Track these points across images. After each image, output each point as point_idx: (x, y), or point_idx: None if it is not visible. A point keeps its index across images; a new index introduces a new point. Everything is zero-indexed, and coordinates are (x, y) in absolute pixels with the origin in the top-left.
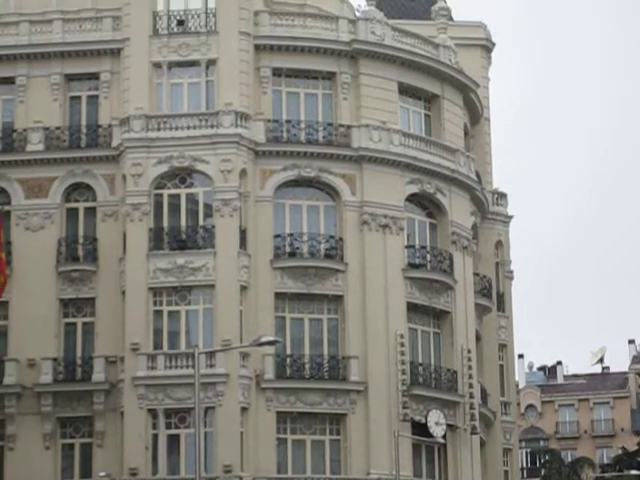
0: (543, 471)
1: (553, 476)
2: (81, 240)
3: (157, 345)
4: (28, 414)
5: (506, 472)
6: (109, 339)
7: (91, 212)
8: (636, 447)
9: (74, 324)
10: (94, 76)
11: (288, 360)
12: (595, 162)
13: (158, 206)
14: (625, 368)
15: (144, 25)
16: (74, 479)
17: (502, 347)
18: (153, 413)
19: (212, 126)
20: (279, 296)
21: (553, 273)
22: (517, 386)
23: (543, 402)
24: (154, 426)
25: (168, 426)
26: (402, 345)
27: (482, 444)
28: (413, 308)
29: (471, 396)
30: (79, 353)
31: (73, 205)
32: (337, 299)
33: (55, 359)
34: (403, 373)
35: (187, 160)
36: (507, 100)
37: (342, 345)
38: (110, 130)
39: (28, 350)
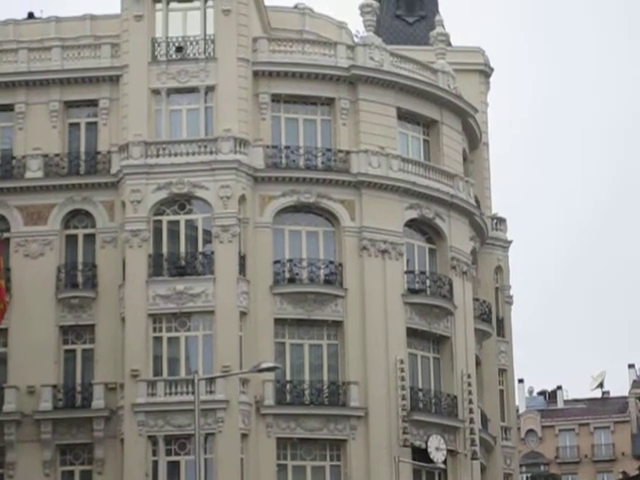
0: None
1: None
2: (80, 267)
3: (157, 372)
4: (28, 441)
5: None
6: (109, 366)
7: (90, 239)
8: (637, 471)
9: (74, 351)
10: (93, 103)
11: (288, 386)
12: (594, 186)
13: (157, 232)
14: (625, 392)
15: (143, 52)
16: None
17: (502, 372)
18: (153, 440)
19: (211, 152)
20: (279, 322)
21: (552, 298)
22: (517, 411)
23: (543, 427)
24: (154, 453)
25: (168, 453)
26: (402, 370)
27: (483, 469)
28: (413, 333)
29: (471, 421)
30: (79, 380)
31: (72, 232)
32: (337, 325)
33: (55, 386)
34: (403, 398)
35: (186, 186)
36: (506, 125)
37: (342, 371)
38: (109, 157)
39: (28, 377)
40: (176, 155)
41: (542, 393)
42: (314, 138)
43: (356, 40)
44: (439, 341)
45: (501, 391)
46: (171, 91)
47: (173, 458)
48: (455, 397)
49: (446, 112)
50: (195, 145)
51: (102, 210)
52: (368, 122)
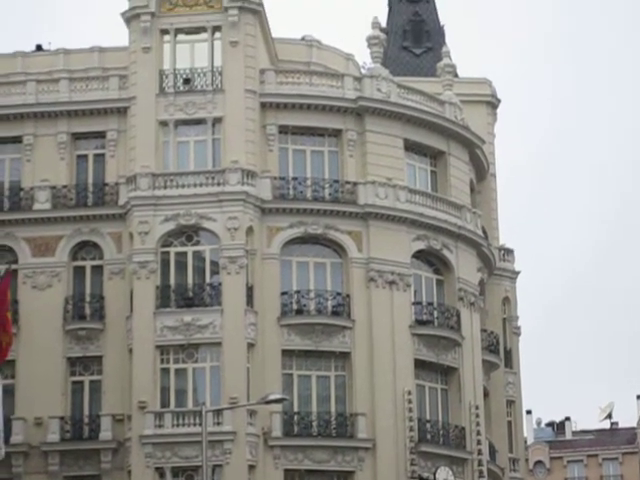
0: None
1: None
2: (88, 298)
3: (164, 403)
4: (35, 473)
5: None
6: (116, 397)
7: (98, 270)
8: None
9: (81, 382)
10: (101, 135)
11: (295, 417)
12: (602, 218)
13: (165, 264)
14: (634, 423)
15: (150, 83)
16: None
17: (510, 403)
18: (160, 472)
19: (218, 184)
20: (286, 353)
21: (560, 329)
22: (525, 442)
23: (552, 458)
24: None
25: None
26: (410, 402)
27: None
28: (420, 365)
29: (479, 452)
30: (86, 411)
31: (80, 263)
32: (344, 356)
33: (62, 417)
34: (411, 430)
35: (194, 218)
36: (513, 156)
37: (350, 402)
38: (117, 188)
39: (35, 409)
40: (184, 187)
41: (550, 424)
42: (321, 169)
43: (363, 72)
44: (447, 372)
45: (509, 422)
46: (179, 123)
47: None
48: (463, 428)
49: (453, 143)
50: (203, 177)
51: (110, 242)
52: (375, 153)
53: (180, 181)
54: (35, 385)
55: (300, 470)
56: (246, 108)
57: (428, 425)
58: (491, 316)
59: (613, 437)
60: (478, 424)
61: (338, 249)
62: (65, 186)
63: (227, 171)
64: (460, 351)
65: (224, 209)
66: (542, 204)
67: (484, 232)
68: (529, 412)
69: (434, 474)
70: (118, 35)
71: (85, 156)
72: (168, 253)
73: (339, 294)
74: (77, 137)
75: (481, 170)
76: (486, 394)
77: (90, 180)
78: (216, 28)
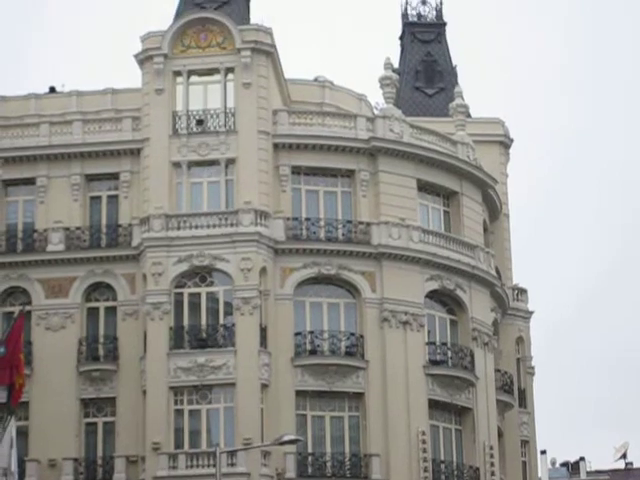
0: None
1: None
2: (102, 339)
3: (178, 444)
4: None
5: None
6: (130, 439)
7: (112, 311)
8: None
9: (95, 424)
10: (114, 176)
11: (310, 458)
12: (614, 257)
13: (178, 305)
14: None
15: (163, 125)
16: None
17: (524, 443)
18: None
19: (232, 225)
20: (300, 394)
21: (574, 368)
22: None
23: None
24: None
25: None
26: (424, 442)
27: None
28: (434, 405)
29: None
30: (100, 453)
31: (93, 304)
32: (358, 396)
33: (76, 459)
34: (425, 470)
35: (207, 259)
36: (526, 195)
37: (363, 443)
38: (130, 229)
39: (49, 450)
40: (197, 228)
41: (565, 464)
42: (334, 210)
43: (376, 112)
44: (461, 412)
45: (523, 463)
46: (192, 164)
47: None
48: (477, 469)
49: (466, 183)
50: (216, 217)
51: (123, 283)
52: (388, 194)
53: (193, 222)
54: (49, 427)
55: None
56: (259, 149)
57: (442, 466)
58: (505, 356)
59: (628, 477)
60: (492, 464)
61: (351, 289)
62: (79, 227)
63: (240, 212)
64: (474, 391)
65: (237, 250)
66: (556, 243)
67: (497, 272)
68: (543, 452)
69: None
70: (131, 77)
71: (98, 197)
72: (182, 294)
73: (353, 334)
74: (90, 179)
75: (494, 210)
76: (500, 434)
77: (103, 221)
78: (229, 69)
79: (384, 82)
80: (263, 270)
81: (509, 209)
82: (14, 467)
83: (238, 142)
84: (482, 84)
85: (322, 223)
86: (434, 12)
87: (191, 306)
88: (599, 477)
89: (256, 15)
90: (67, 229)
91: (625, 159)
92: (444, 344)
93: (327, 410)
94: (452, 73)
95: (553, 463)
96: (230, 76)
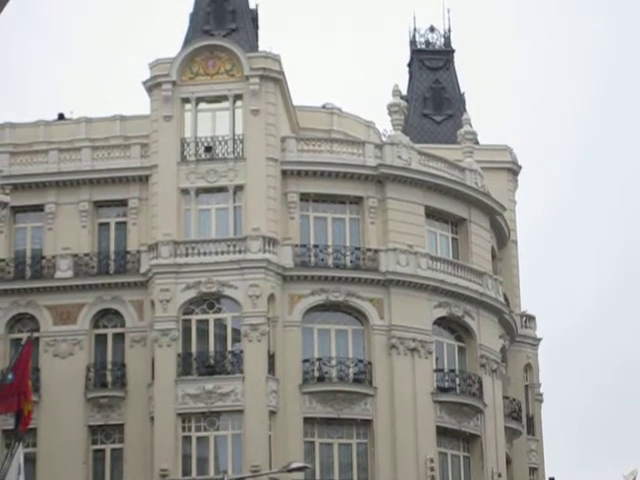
0: None
1: None
2: (109, 366)
3: (186, 471)
4: None
5: None
6: (138, 465)
7: (120, 338)
8: None
9: (103, 451)
10: (122, 203)
11: None
12: (624, 282)
13: (186, 331)
14: None
15: (172, 152)
16: None
17: (533, 470)
18: None
19: (240, 251)
20: (308, 421)
21: (583, 395)
22: None
23: None
24: None
25: None
26: (432, 470)
27: None
28: (443, 432)
29: None
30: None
31: (102, 331)
32: (366, 423)
33: None
34: None
35: (215, 285)
36: (534, 222)
37: (372, 470)
38: (138, 256)
39: (57, 477)
40: (205, 254)
41: None
42: (343, 237)
43: (384, 139)
44: (469, 440)
45: None
46: (200, 191)
47: None
48: None
49: (474, 210)
50: (224, 244)
51: (131, 309)
52: (396, 220)
53: (202, 249)
54: (56, 453)
55: None
56: (267, 176)
57: None
58: (513, 383)
59: None
60: None
61: (360, 316)
62: (87, 254)
63: (248, 239)
64: (482, 418)
65: (245, 277)
66: (564, 270)
67: (505, 299)
68: (552, 479)
69: None
70: (140, 104)
71: (107, 224)
72: (190, 321)
73: (361, 361)
74: (99, 205)
75: (502, 237)
76: (508, 461)
77: (112, 248)
78: (237, 96)
79: (392, 109)
80: (271, 297)
81: (517, 236)
82: None
83: (246, 169)
84: (490, 111)
85: (330, 250)
86: (442, 39)
87: (199, 333)
88: None
89: (264, 42)
90: (75, 256)
91: (633, 187)
92: (452, 371)
93: (335, 437)
94: (460, 100)
95: None
96: (238, 103)
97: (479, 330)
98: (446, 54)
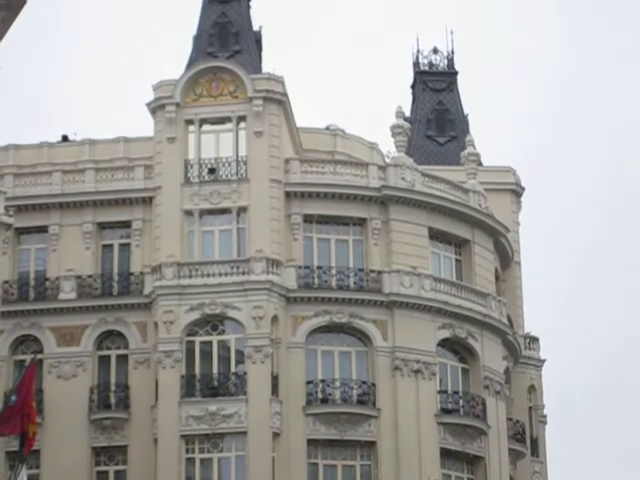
0: None
1: None
2: (113, 388)
3: None
4: None
5: None
6: None
7: (123, 359)
8: None
9: (106, 472)
10: (126, 224)
11: None
12: (628, 305)
13: (190, 353)
14: None
15: (176, 173)
16: None
17: None
18: None
19: (243, 273)
20: (312, 443)
21: (587, 417)
22: None
23: None
24: None
25: None
26: None
27: None
28: (446, 454)
29: None
30: None
31: (105, 353)
32: (370, 445)
33: None
34: None
35: (219, 307)
36: (538, 243)
37: None
38: (142, 278)
39: None
40: (209, 276)
41: None
42: (346, 258)
43: (387, 160)
44: (473, 461)
45: None
46: (203, 212)
47: None
48: None
49: (478, 231)
50: (227, 266)
51: (135, 331)
52: (400, 242)
53: (205, 270)
54: (60, 475)
55: None
56: (271, 197)
57: None
58: (517, 404)
59: None
60: None
61: (363, 338)
62: (90, 276)
63: (252, 260)
64: (486, 440)
65: (249, 298)
66: (568, 292)
67: (509, 320)
68: None
69: None
70: (143, 126)
71: (110, 246)
72: (193, 342)
73: (364, 383)
74: (102, 227)
75: (506, 258)
76: None
77: (115, 270)
78: (241, 118)
79: (396, 131)
80: (275, 318)
81: (521, 257)
82: None
83: (250, 190)
84: (494, 133)
85: (334, 271)
86: (446, 61)
87: (203, 354)
88: None
89: (268, 64)
90: (79, 277)
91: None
92: (456, 392)
93: (339, 459)
94: (464, 121)
95: None
96: (242, 125)
97: (483, 351)
98: (449, 76)
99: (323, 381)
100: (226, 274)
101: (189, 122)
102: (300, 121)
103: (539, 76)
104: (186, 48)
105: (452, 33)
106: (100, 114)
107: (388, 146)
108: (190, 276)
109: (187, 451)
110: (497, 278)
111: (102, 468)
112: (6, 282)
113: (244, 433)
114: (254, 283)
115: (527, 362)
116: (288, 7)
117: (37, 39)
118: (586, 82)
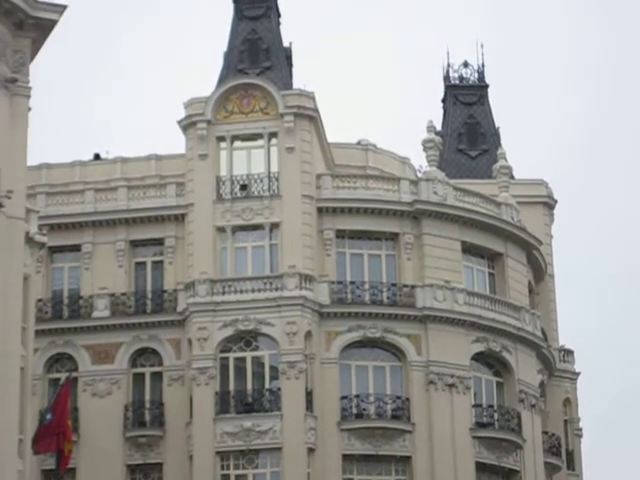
0: None
1: None
2: (148, 405)
3: None
4: None
5: None
6: None
7: (157, 377)
8: None
9: None
10: (159, 242)
11: None
12: None
13: (224, 369)
14: None
15: (208, 190)
16: None
17: None
18: None
19: (276, 289)
20: (347, 458)
21: (623, 429)
22: None
23: None
24: None
25: None
26: None
27: None
28: (482, 468)
29: None
30: None
31: (139, 370)
32: (405, 460)
33: None
34: None
35: (252, 323)
36: (571, 256)
37: None
38: (175, 295)
39: None
40: (242, 292)
41: None
42: (379, 273)
43: (419, 175)
44: (508, 475)
45: None
46: (236, 229)
47: None
48: None
49: (511, 245)
50: (260, 282)
51: (169, 348)
52: (433, 256)
53: (238, 287)
54: None
55: None
56: (303, 213)
57: None
58: (552, 418)
59: None
60: None
61: (397, 352)
62: (124, 293)
63: (285, 276)
64: (521, 454)
65: (282, 314)
66: (601, 304)
67: (543, 333)
68: None
69: None
70: (175, 143)
71: (143, 263)
72: (227, 359)
73: (399, 397)
74: (135, 244)
75: (539, 271)
76: None
77: (149, 287)
78: (272, 134)
79: (427, 145)
80: (308, 334)
81: (554, 270)
82: None
83: (282, 206)
84: (525, 145)
85: (367, 286)
86: (476, 74)
87: (237, 370)
88: None
89: (298, 80)
90: (112, 295)
91: None
92: (491, 406)
93: (374, 474)
94: (495, 135)
95: None
96: (273, 141)
97: (517, 365)
98: (480, 89)
99: (357, 396)
100: (259, 290)
101: (221, 139)
102: (331, 136)
103: (570, 88)
104: (216, 65)
105: (482, 46)
106: (132, 132)
107: (420, 160)
108: (223, 293)
109: (222, 467)
110: (531, 291)
111: None
112: (40, 300)
113: (279, 449)
114: (287, 299)
115: (562, 375)
116: (318, 23)
117: (68, 58)
118: (619, 92)
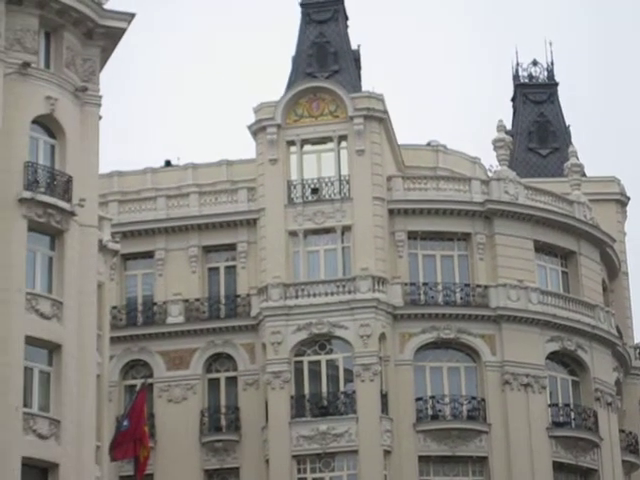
0: None
1: None
2: (223, 410)
3: None
4: None
5: None
6: None
7: (232, 382)
8: None
9: None
10: (231, 247)
11: None
12: None
13: (299, 373)
14: None
15: (279, 195)
16: None
17: None
18: None
19: (350, 292)
20: (423, 459)
21: None
22: None
23: None
24: None
25: None
26: None
27: None
28: (559, 467)
29: None
30: None
31: (214, 375)
32: (482, 460)
33: None
34: None
35: (326, 326)
36: None
37: None
38: (249, 299)
39: None
40: (315, 296)
41: None
42: (452, 274)
43: (490, 174)
44: (586, 474)
45: None
46: (308, 232)
47: None
48: None
49: (584, 243)
50: (333, 285)
51: (243, 353)
52: (505, 256)
53: (311, 290)
54: None
55: None
56: (374, 215)
57: None
58: (629, 416)
59: None
60: None
61: (471, 353)
62: (198, 299)
63: (358, 279)
64: (599, 452)
65: (356, 317)
66: None
67: (618, 331)
68: None
69: None
70: (245, 148)
71: (216, 268)
72: (301, 362)
73: (474, 398)
74: (208, 250)
75: (613, 269)
76: None
77: (222, 292)
78: (342, 137)
79: (497, 144)
80: (382, 336)
81: (628, 267)
82: None
83: (353, 209)
84: (596, 142)
85: (440, 287)
86: (545, 72)
87: (311, 374)
88: None
89: (367, 82)
90: (186, 301)
91: None
92: (567, 405)
93: (451, 475)
94: (566, 133)
95: None
96: (343, 144)
97: (592, 363)
98: (550, 87)
99: (433, 397)
100: (332, 293)
101: (291, 143)
102: (401, 138)
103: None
104: (285, 69)
105: (551, 44)
106: (202, 138)
107: (490, 160)
108: (296, 296)
109: (299, 471)
110: (605, 289)
111: None
112: (114, 308)
113: (355, 452)
114: (360, 301)
115: (638, 373)
116: (385, 25)
117: (138, 65)
118: None
